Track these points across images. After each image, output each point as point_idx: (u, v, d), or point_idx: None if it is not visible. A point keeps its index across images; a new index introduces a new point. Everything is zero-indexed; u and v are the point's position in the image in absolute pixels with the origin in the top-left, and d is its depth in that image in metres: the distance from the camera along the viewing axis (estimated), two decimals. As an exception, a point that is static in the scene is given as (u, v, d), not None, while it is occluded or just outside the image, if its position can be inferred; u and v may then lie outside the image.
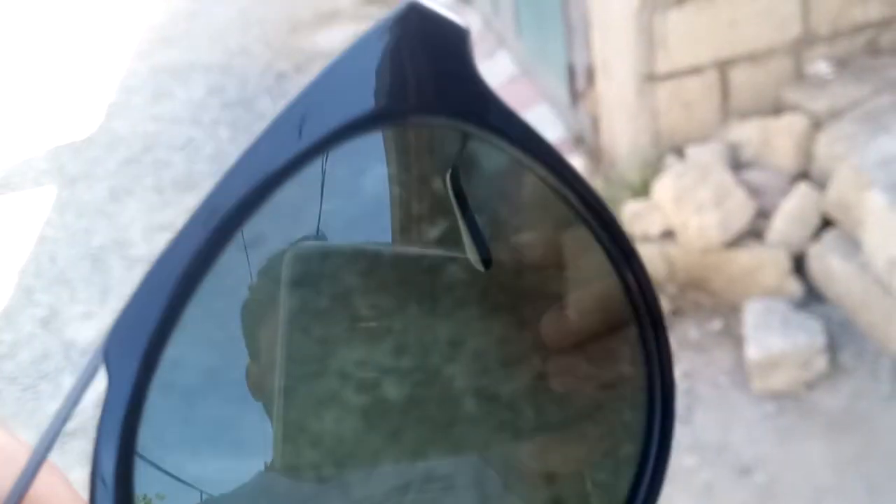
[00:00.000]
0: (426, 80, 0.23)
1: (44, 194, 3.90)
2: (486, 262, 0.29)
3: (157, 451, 0.22)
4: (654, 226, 2.30)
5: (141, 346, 0.21)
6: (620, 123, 2.73)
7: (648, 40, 2.45)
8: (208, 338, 0.24)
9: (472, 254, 0.29)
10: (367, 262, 0.27)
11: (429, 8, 0.22)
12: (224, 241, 0.22)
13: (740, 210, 2.21)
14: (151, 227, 3.48)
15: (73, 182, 3.97)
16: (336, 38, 5.04)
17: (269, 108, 4.32)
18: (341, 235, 0.27)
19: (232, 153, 4.20)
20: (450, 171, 0.26)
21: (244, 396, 0.26)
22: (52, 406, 2.56)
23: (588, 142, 3.07)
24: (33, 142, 4.44)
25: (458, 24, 0.23)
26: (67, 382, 2.66)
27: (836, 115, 2.41)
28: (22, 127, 4.64)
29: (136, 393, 0.21)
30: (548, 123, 3.45)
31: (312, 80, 0.23)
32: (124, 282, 3.17)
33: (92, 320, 2.97)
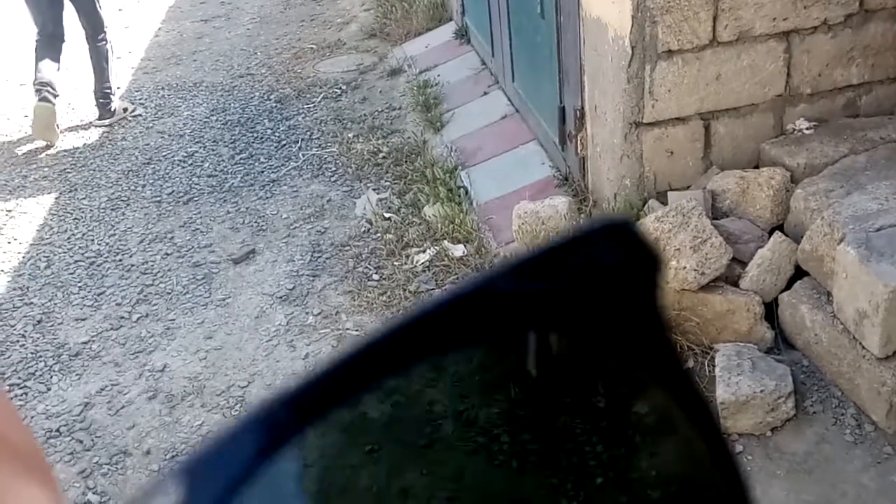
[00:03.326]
0: (605, 300, 0.22)
1: (44, 199, 3.97)
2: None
3: None
4: (633, 265, 2.38)
5: (231, 476, 0.20)
6: (607, 166, 2.83)
7: (638, 89, 2.56)
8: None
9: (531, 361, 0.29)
10: None
11: (634, 232, 0.22)
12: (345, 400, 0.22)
13: (717, 256, 2.30)
14: (148, 236, 3.55)
15: (74, 189, 4.04)
16: (337, 68, 5.16)
17: (269, 130, 4.42)
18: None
19: (231, 171, 4.27)
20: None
21: None
22: (40, 405, 2.61)
23: (574, 181, 3.17)
24: (37, 147, 4.51)
25: (655, 252, 0.23)
26: (56, 382, 2.71)
27: (813, 170, 2.51)
28: (26, 132, 4.71)
29: None
30: (536, 161, 3.56)
31: (502, 268, 0.22)
32: (118, 287, 3.24)
33: (84, 323, 3.03)
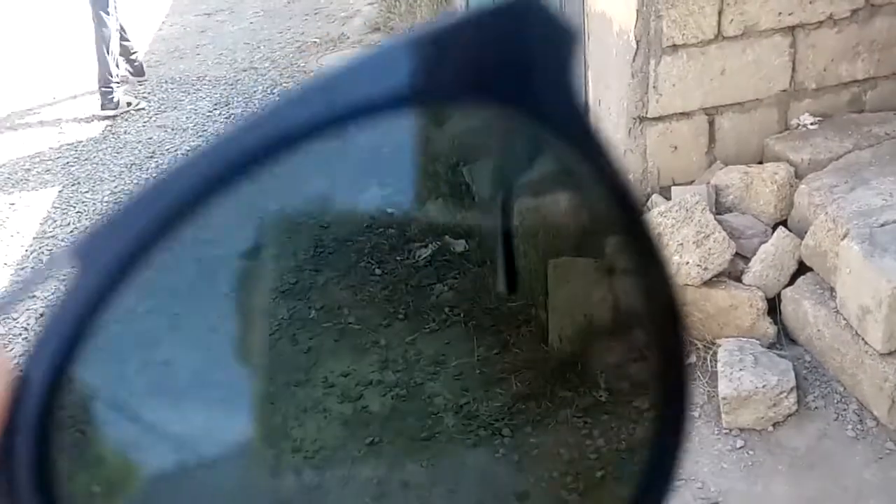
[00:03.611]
0: (520, 71, 0.22)
1: (47, 193, 3.97)
2: (511, 287, 0.29)
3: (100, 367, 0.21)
4: (636, 260, 2.38)
5: (124, 253, 0.19)
6: (611, 160, 2.83)
7: (642, 84, 2.55)
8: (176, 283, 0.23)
9: (500, 277, 0.29)
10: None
11: (542, 6, 0.23)
12: (237, 179, 0.20)
13: (720, 251, 2.29)
14: (150, 231, 3.56)
15: (77, 182, 4.04)
16: (341, 62, 5.16)
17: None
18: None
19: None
20: (501, 199, 0.27)
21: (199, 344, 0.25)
22: (42, 398, 2.61)
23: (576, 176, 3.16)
24: (40, 141, 4.52)
25: (567, 28, 0.23)
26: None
27: (817, 166, 2.51)
28: (29, 125, 4.71)
29: (105, 292, 0.19)
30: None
31: (416, 36, 0.22)
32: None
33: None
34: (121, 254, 0.19)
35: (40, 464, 0.19)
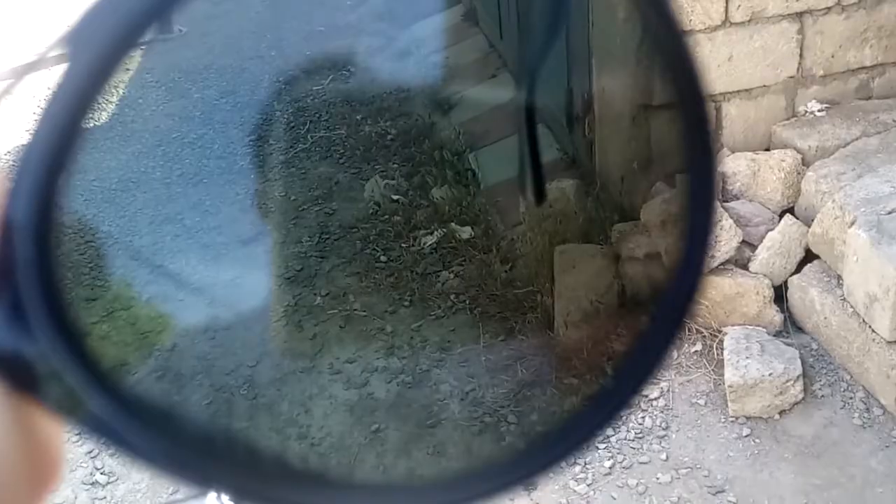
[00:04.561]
0: None
1: (53, 182, 3.99)
2: (539, 198, 0.29)
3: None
4: (639, 247, 2.38)
5: (117, 32, 0.18)
6: (614, 148, 2.82)
7: (646, 71, 2.54)
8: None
9: (529, 189, 0.28)
10: None
11: None
12: None
13: (726, 238, 2.29)
14: (158, 217, 3.57)
15: (84, 170, 4.06)
16: (346, 50, 5.15)
17: (278, 112, 4.41)
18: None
19: (240, 152, 4.29)
20: (525, 109, 0.25)
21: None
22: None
23: (582, 164, 3.16)
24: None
25: None
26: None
27: (824, 153, 2.49)
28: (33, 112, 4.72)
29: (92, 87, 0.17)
30: (544, 144, 3.55)
31: None
32: (128, 269, 3.26)
33: (95, 304, 3.05)
34: (114, 31, 0.18)
35: (42, 259, 0.18)
